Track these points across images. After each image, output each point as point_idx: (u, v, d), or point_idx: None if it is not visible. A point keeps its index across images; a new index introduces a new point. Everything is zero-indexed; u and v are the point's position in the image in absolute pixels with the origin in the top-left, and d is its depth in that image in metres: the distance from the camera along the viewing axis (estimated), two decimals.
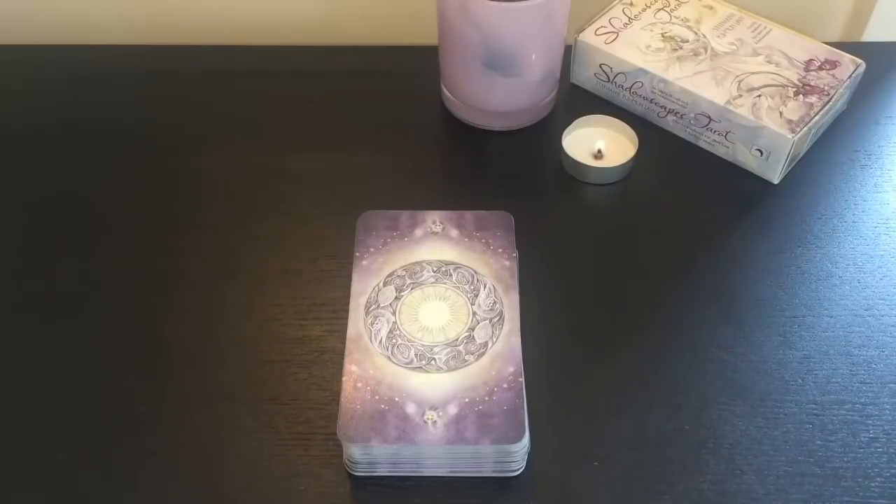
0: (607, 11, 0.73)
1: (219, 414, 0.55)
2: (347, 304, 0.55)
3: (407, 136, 0.70)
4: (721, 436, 0.53)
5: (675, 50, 0.69)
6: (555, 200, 0.66)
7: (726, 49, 0.69)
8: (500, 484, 0.51)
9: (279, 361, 0.57)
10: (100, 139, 0.70)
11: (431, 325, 0.54)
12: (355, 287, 0.56)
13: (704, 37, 0.70)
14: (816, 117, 0.65)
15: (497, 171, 0.68)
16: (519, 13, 0.62)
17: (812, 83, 0.67)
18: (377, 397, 0.51)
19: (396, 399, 0.51)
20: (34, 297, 0.60)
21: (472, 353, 0.53)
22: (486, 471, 0.51)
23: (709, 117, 0.66)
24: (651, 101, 0.69)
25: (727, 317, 0.59)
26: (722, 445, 0.53)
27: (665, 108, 0.69)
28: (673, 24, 0.72)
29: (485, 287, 0.56)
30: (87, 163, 0.69)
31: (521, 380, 0.51)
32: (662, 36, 0.71)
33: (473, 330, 0.54)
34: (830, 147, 0.69)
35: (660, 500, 0.51)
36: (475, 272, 0.57)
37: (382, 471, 0.51)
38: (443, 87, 0.71)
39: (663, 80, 0.67)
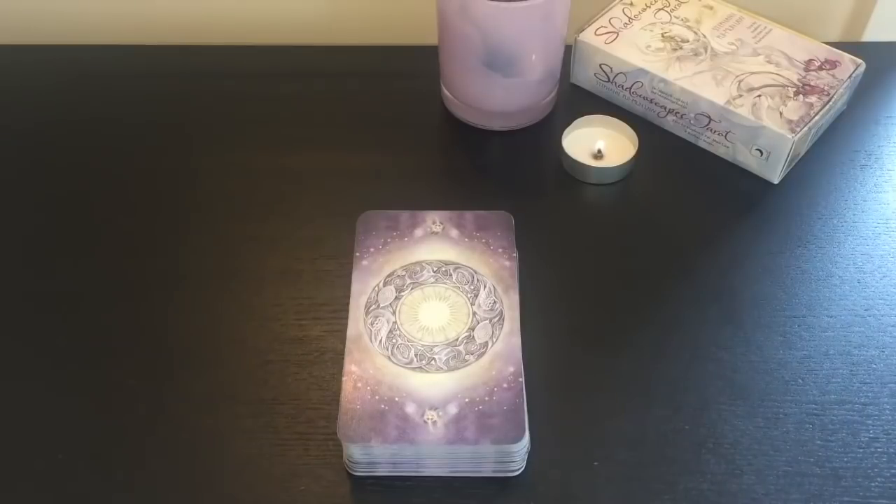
0: (607, 11, 0.73)
1: (219, 414, 0.55)
2: (347, 304, 0.55)
3: (407, 136, 0.70)
4: (721, 436, 0.53)
5: (675, 50, 0.69)
6: (555, 200, 0.66)
7: (726, 49, 0.69)
8: (500, 484, 0.51)
9: (279, 361, 0.57)
10: (99, 139, 0.70)
11: (431, 325, 0.54)
12: (355, 287, 0.56)
13: (704, 37, 0.70)
14: (816, 117, 0.65)
15: (497, 171, 0.68)
16: (519, 13, 0.62)
17: (812, 83, 0.67)
18: (377, 397, 0.51)
19: (396, 399, 0.51)
20: (34, 296, 0.61)
21: (472, 353, 0.53)
22: (486, 471, 0.51)
23: (709, 117, 0.66)
24: (651, 101, 0.69)
25: (727, 317, 0.59)
26: (722, 445, 0.53)
27: (665, 108, 0.69)
28: (673, 24, 0.72)
29: (485, 287, 0.56)
30: (87, 163, 0.69)
31: (521, 380, 0.51)
32: (662, 36, 0.71)
33: (473, 330, 0.54)
34: (830, 147, 0.69)
35: (660, 500, 0.51)
36: (475, 272, 0.57)
37: (382, 471, 0.51)
38: (443, 87, 0.71)
39: (663, 80, 0.67)
